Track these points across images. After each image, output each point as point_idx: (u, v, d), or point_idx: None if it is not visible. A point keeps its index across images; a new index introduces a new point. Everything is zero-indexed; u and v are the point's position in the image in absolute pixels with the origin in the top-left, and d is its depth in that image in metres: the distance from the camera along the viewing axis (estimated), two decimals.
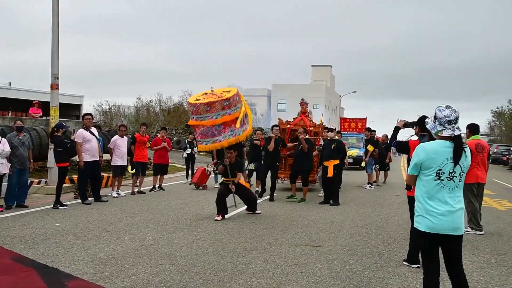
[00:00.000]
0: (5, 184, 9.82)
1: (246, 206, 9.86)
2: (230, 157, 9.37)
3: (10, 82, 32.72)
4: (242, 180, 9.64)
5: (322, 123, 14.78)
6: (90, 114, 11.30)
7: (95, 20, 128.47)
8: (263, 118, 45.87)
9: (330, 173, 11.39)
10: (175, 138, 31.92)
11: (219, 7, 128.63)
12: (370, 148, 16.05)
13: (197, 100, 8.66)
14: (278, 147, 12.20)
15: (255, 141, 13.56)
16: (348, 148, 22.35)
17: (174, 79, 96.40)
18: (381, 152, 16.71)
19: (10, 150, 9.57)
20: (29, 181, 11.17)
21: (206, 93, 8.93)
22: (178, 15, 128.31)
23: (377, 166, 16.86)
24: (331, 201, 11.53)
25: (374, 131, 17.20)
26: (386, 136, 17.80)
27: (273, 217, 9.57)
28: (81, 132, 10.62)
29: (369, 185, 15.91)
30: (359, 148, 24.84)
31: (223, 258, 6.20)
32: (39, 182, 13.02)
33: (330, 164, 11.45)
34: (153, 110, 46.67)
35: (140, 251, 6.46)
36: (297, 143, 12.29)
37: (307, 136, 12.48)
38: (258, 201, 11.60)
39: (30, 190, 11.94)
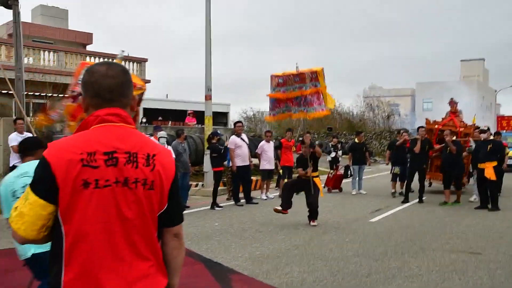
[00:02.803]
0: None
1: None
2: (305, 151, 8.85)
3: (167, 95, 36.37)
4: (318, 179, 8.94)
5: (475, 124, 13.76)
6: (240, 122, 12.11)
7: (232, 34, 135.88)
8: (408, 119, 43.83)
9: (492, 176, 10.51)
10: (317, 142, 32.26)
11: (349, 9, 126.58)
12: None
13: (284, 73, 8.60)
14: (424, 149, 11.85)
15: (397, 143, 13.21)
16: (509, 148, 20.29)
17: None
18: None
19: (175, 156, 10.72)
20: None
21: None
22: (309, 22, 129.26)
23: None
24: (489, 206, 10.68)
25: None
26: None
27: (423, 221, 9.22)
28: (234, 138, 11.43)
29: None
30: None
31: (374, 261, 6.21)
32: (196, 185, 14.29)
33: (487, 166, 10.60)
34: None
35: (292, 251, 6.78)
36: (443, 145, 11.75)
37: (454, 138, 11.80)
38: (405, 205, 11.33)
39: (190, 192, 13.18)
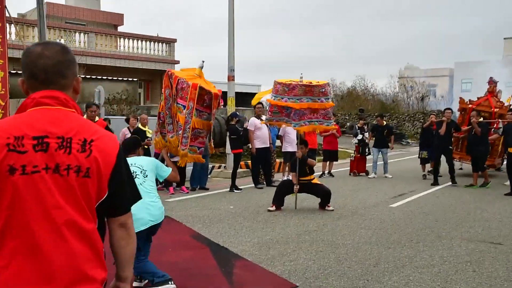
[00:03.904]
0: (189, 168, 10.98)
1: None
2: (303, 151, 8.60)
3: None
4: (316, 179, 8.87)
5: (510, 104, 13.19)
6: (261, 103, 11.91)
7: (265, 14, 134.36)
8: (444, 100, 42.31)
9: None
10: (348, 123, 31.69)
11: None
12: None
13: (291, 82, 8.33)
14: (450, 131, 11.68)
15: (424, 125, 12.91)
16: None
17: (346, 64, 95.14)
18: None
19: None
20: (211, 165, 12.31)
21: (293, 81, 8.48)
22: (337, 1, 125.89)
23: None
24: None
25: None
26: None
27: (447, 207, 8.87)
28: (253, 120, 11.26)
29: None
30: None
31: (386, 249, 5.98)
32: (219, 167, 14.26)
33: None
34: None
35: (303, 237, 6.62)
36: (470, 127, 11.47)
37: (481, 119, 11.55)
38: (431, 190, 10.97)
39: (212, 174, 13.19)
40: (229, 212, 8.33)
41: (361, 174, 13.98)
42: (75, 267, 1.67)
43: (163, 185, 10.70)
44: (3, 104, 8.58)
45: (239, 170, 11.97)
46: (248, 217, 7.96)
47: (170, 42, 26.15)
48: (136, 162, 4.51)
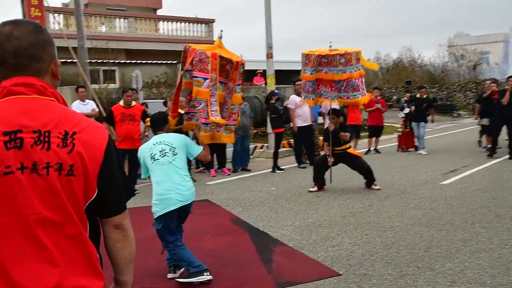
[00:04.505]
0: (230, 150, 10.79)
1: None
2: (334, 122, 8.04)
3: (241, 55, 36.06)
4: (352, 149, 8.37)
5: None
6: (300, 80, 11.46)
7: None
8: (498, 67, 39.93)
9: None
10: (394, 97, 30.55)
11: None
12: None
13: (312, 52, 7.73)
14: None
15: (485, 95, 12.04)
16: None
17: (391, 35, 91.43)
18: None
19: None
20: (253, 146, 12.06)
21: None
22: None
23: None
24: None
25: None
26: None
27: (505, 183, 8.22)
28: (293, 98, 10.86)
29: None
30: None
31: (438, 231, 5.54)
32: (261, 147, 14.01)
33: None
34: (371, 69, 45.05)
35: (347, 219, 6.27)
36: None
37: None
38: (487, 164, 10.27)
39: (254, 154, 12.97)
40: (271, 194, 8.07)
41: (409, 149, 13.33)
42: (57, 278, 1.44)
43: (204, 167, 10.60)
44: None
45: (282, 149, 11.69)
46: (290, 199, 7.68)
47: (208, 22, 25.87)
48: (164, 140, 4.34)
